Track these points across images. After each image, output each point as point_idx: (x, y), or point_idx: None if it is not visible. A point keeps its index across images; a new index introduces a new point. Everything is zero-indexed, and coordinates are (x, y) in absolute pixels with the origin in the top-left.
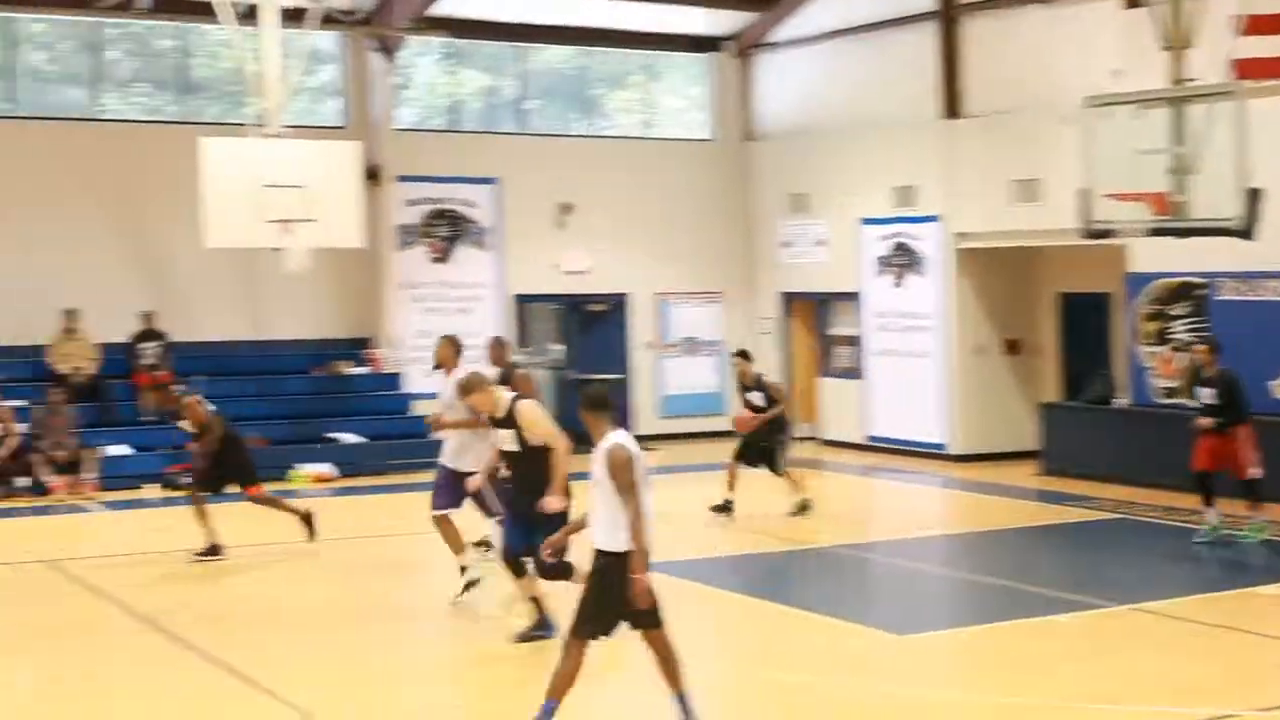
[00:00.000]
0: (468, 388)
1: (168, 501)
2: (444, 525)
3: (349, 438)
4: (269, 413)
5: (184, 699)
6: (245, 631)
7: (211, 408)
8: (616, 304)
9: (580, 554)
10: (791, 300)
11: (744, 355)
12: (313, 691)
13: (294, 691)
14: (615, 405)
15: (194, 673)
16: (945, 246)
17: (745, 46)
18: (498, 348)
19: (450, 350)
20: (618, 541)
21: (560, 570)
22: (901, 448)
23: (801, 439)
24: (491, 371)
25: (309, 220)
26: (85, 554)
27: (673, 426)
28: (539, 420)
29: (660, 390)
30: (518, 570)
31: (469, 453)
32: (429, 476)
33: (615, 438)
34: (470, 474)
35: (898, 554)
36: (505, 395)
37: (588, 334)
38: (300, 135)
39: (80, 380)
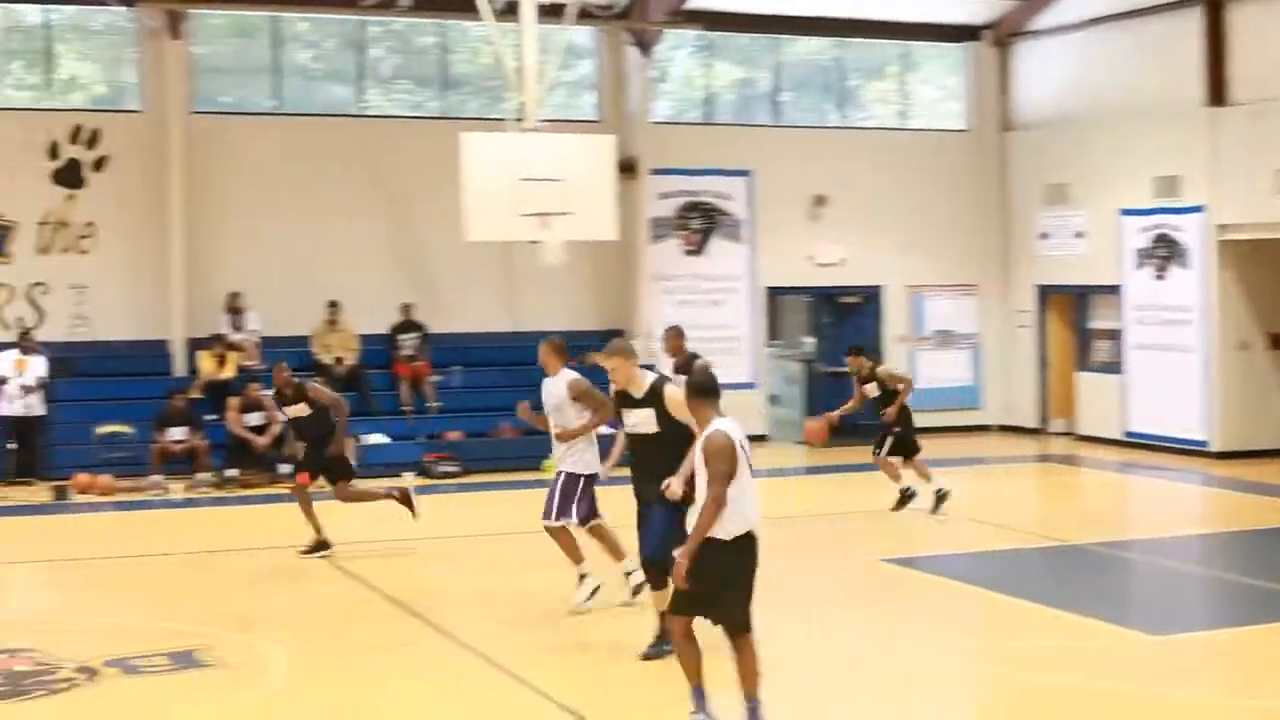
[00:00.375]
0: (614, 350)
1: (423, 490)
2: (560, 535)
3: (601, 429)
4: None
5: (440, 683)
6: (499, 618)
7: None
8: (869, 296)
9: None
10: (1049, 293)
11: (854, 351)
12: (565, 682)
13: (546, 680)
14: (720, 392)
15: (448, 658)
16: (1208, 238)
17: (1003, 35)
18: (675, 338)
19: (550, 353)
20: (725, 530)
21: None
22: (1161, 444)
23: (1057, 434)
24: (668, 362)
25: (565, 213)
26: (345, 539)
27: (925, 420)
28: (684, 403)
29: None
30: (657, 578)
31: (571, 456)
32: None
33: (717, 424)
34: (572, 476)
35: (1155, 552)
36: (647, 374)
37: (840, 326)
38: (557, 129)
39: (341, 370)
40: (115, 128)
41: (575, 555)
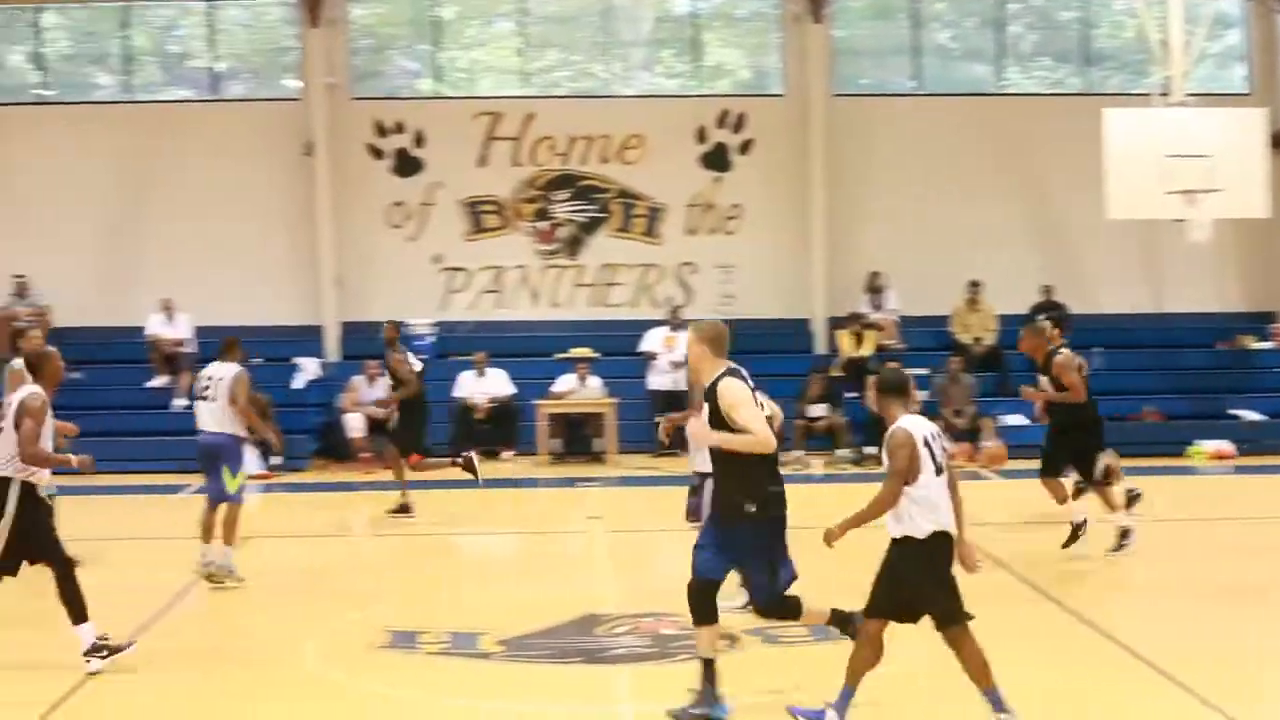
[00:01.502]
0: (693, 326)
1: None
2: None
3: (1250, 414)
4: (1167, 387)
5: (1076, 669)
6: (1142, 608)
7: (417, 367)
8: None
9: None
10: None
11: (1052, 319)
12: (1215, 680)
13: (1191, 675)
14: (911, 391)
15: (1081, 643)
16: None
17: None
18: (1033, 337)
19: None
20: (908, 528)
21: (785, 608)
22: None
23: None
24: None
25: (1213, 190)
26: (984, 521)
27: None
28: (739, 403)
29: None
30: (703, 609)
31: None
32: None
33: (902, 422)
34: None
35: None
36: (721, 366)
37: None
38: (1203, 103)
39: (979, 350)
40: (759, 111)
41: None
